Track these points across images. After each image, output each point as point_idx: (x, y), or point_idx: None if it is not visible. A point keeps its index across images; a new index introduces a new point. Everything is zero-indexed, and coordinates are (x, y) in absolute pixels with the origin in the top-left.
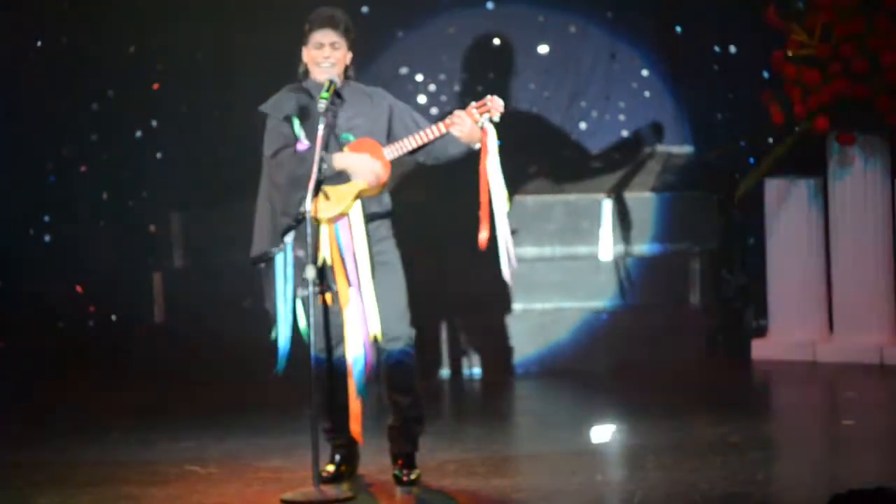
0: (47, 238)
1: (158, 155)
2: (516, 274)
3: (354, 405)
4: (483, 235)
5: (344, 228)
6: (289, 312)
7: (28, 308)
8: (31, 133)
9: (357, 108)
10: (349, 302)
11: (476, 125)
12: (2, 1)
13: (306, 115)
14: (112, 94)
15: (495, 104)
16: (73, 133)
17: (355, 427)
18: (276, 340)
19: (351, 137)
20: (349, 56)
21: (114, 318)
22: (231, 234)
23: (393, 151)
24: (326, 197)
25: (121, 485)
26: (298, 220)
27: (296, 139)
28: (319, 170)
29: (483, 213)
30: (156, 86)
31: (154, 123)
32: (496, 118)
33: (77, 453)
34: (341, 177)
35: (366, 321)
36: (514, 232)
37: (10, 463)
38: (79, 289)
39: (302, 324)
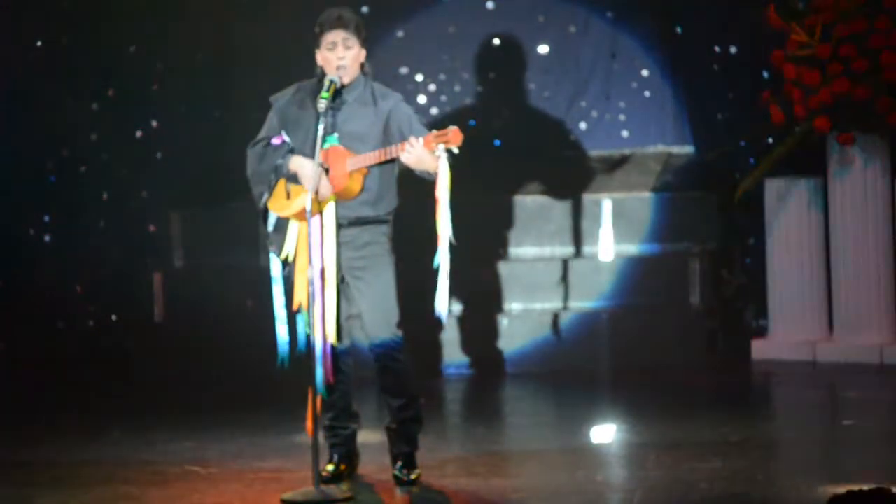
0: (47, 238)
1: (158, 155)
2: (515, 276)
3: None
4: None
5: (315, 229)
6: (282, 307)
7: (28, 308)
8: (31, 133)
9: (356, 112)
10: (304, 302)
11: (432, 154)
12: (2, 1)
13: (300, 111)
14: (112, 94)
15: (454, 136)
16: (73, 133)
17: (308, 423)
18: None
19: (335, 141)
20: (363, 53)
21: (114, 318)
22: (231, 234)
23: (355, 163)
24: (288, 195)
25: (121, 485)
26: (265, 213)
27: (278, 134)
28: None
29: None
30: (156, 86)
31: (154, 123)
32: (455, 150)
33: (77, 453)
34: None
35: (324, 324)
36: (508, 235)
37: (11, 462)
38: (79, 289)
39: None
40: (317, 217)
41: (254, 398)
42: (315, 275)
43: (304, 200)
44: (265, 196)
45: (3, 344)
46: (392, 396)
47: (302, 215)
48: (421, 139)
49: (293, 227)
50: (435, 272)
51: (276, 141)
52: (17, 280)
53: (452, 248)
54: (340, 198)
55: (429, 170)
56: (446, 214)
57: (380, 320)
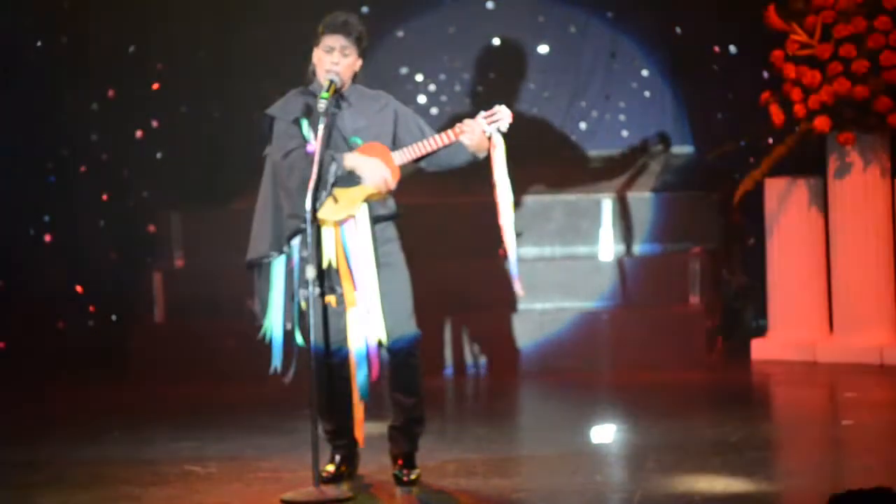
0: (47, 238)
1: (158, 155)
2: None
3: (358, 409)
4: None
5: (350, 230)
6: (280, 312)
7: (28, 308)
8: (31, 133)
9: (362, 111)
10: (354, 304)
11: (484, 134)
12: (2, 1)
13: (314, 117)
14: (112, 94)
15: (503, 114)
16: (73, 133)
17: (359, 431)
18: (268, 341)
19: (359, 141)
20: (359, 63)
21: (114, 318)
22: (231, 234)
23: (402, 156)
24: (336, 200)
25: (121, 485)
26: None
27: (305, 141)
28: (325, 170)
29: (500, 224)
30: (156, 86)
31: (154, 123)
32: (504, 128)
33: (77, 453)
34: (351, 179)
35: (370, 324)
36: (518, 234)
37: (10, 463)
38: (79, 289)
39: (291, 324)
40: (351, 219)
41: (254, 398)
42: (358, 276)
43: (356, 199)
44: (308, 200)
45: (3, 344)
46: (404, 394)
47: (347, 217)
48: (473, 121)
49: (328, 234)
50: (432, 272)
51: (310, 149)
52: (17, 280)
53: (451, 250)
54: (379, 197)
55: (481, 150)
56: (508, 188)
57: (402, 316)
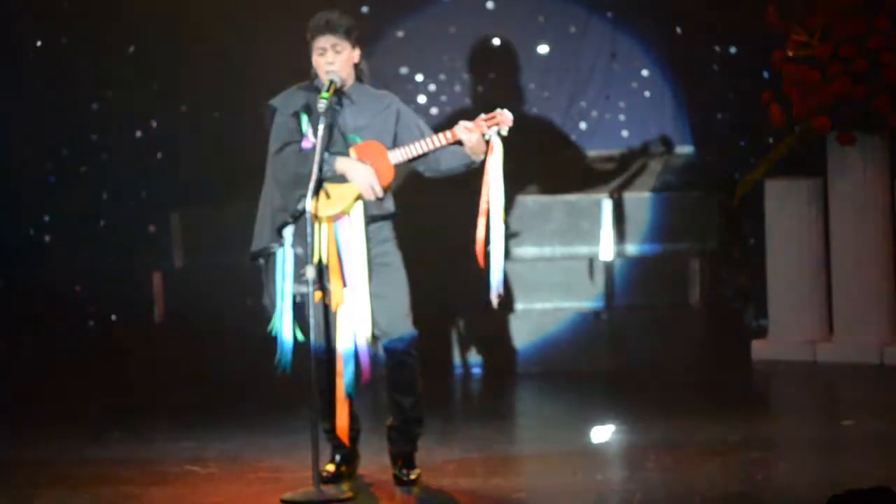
0: (47, 238)
1: (158, 155)
2: (515, 276)
3: (342, 405)
4: (478, 250)
5: (344, 228)
6: (284, 309)
7: (28, 308)
8: (31, 133)
9: (364, 109)
10: (342, 302)
11: (482, 138)
12: (2, 1)
13: (314, 113)
14: (112, 94)
15: (504, 118)
16: (73, 133)
17: (341, 427)
18: (274, 335)
19: (358, 139)
20: (356, 54)
21: (114, 318)
22: (231, 234)
23: (398, 156)
24: (327, 195)
25: (121, 484)
26: (296, 217)
27: (302, 135)
28: (321, 169)
29: (480, 228)
30: (156, 86)
31: (154, 123)
32: (504, 132)
33: (77, 453)
34: (343, 176)
35: (358, 322)
36: (514, 235)
37: (10, 463)
38: (79, 289)
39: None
40: (345, 217)
41: (253, 397)
42: (348, 274)
43: (348, 196)
44: (308, 198)
45: (3, 344)
46: (403, 394)
47: (340, 214)
48: (471, 123)
49: (323, 230)
50: (431, 272)
51: (306, 144)
52: (17, 280)
53: (451, 250)
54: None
55: (479, 153)
56: (501, 194)
57: (399, 315)
